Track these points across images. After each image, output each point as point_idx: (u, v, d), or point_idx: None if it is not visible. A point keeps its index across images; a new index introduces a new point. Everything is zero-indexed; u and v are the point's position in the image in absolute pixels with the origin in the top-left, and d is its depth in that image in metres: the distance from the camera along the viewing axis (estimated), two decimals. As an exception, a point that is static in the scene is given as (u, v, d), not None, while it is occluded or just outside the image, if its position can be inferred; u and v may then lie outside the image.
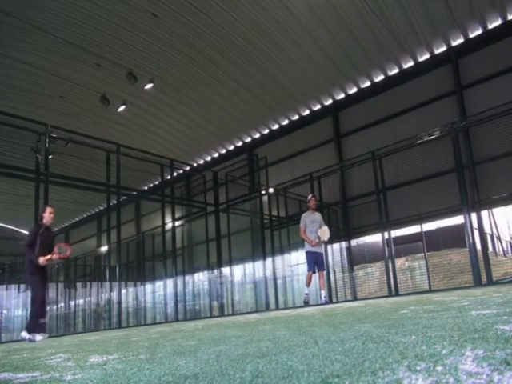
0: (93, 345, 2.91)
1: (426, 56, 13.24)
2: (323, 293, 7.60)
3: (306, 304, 7.68)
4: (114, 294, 9.64)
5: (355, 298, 10.10)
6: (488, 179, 10.33)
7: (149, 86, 14.89)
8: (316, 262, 7.59)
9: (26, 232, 28.46)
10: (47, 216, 6.31)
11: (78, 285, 17.48)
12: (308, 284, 7.59)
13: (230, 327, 3.02)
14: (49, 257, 5.89)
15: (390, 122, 13.93)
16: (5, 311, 15.92)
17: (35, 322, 5.70)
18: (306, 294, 7.68)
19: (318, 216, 7.94)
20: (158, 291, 14.32)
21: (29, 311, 6.03)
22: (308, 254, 7.71)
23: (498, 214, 12.24)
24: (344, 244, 11.94)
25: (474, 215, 8.23)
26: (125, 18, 12.48)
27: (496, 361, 0.71)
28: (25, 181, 8.57)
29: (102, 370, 1.25)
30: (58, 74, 14.82)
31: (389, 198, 9.43)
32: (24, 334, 5.73)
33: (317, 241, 7.58)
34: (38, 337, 5.63)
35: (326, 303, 7.45)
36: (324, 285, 7.76)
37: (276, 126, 17.25)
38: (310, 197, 8.07)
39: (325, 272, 8.02)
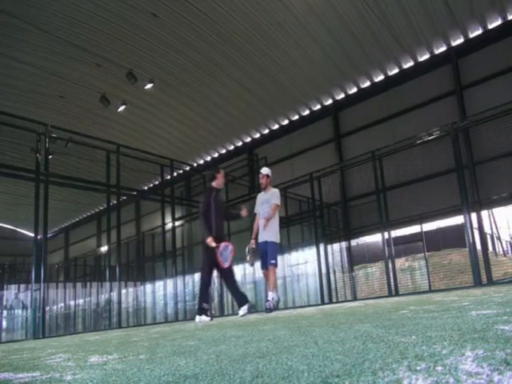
0: (93, 345, 2.91)
1: (426, 56, 13.24)
2: (270, 295, 5.80)
3: (269, 311, 5.66)
4: (114, 294, 9.63)
5: (355, 298, 10.10)
6: (488, 179, 10.33)
7: (149, 86, 14.90)
8: (263, 255, 5.99)
9: (27, 233, 28.27)
10: (220, 177, 5.56)
11: (78, 285, 17.47)
12: (271, 287, 5.83)
13: (230, 327, 3.02)
14: (215, 245, 5.19)
15: (389, 122, 13.92)
16: (5, 311, 15.91)
17: (200, 305, 5.46)
18: (268, 300, 5.80)
19: (269, 194, 6.23)
20: (158, 291, 14.31)
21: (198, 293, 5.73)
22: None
23: (498, 214, 12.24)
24: (344, 244, 11.93)
25: (474, 215, 8.23)
26: (125, 18, 12.48)
27: (496, 361, 0.71)
28: (25, 181, 8.55)
29: (102, 370, 1.25)
30: (57, 74, 14.82)
31: (389, 198, 9.42)
32: (197, 318, 5.50)
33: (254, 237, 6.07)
34: (198, 318, 5.40)
35: (269, 310, 5.63)
36: (273, 285, 5.82)
37: (276, 126, 17.25)
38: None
39: (275, 268, 5.93)
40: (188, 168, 14.86)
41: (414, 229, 10.86)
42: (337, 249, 11.63)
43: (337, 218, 13.61)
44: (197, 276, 14.41)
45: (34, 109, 15.59)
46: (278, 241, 6.15)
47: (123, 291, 13.41)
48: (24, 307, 15.15)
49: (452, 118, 10.35)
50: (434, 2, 11.32)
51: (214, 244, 5.26)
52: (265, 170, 6.41)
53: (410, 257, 11.59)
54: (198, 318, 5.57)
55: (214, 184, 5.62)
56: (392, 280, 8.77)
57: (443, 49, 12.85)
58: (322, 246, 10.45)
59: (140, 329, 6.44)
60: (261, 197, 6.33)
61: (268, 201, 6.15)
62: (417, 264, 10.98)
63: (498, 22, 11.84)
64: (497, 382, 0.61)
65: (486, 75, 11.97)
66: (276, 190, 6.44)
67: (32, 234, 8.82)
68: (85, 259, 20.14)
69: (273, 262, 5.92)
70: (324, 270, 10.11)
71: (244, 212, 5.79)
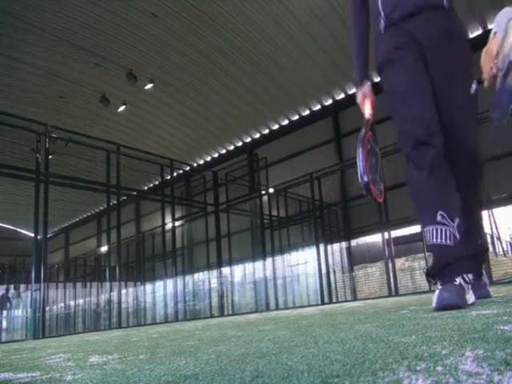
0: (93, 345, 2.91)
1: (426, 56, 13.24)
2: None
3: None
4: (114, 294, 9.64)
5: (355, 298, 10.10)
6: (488, 179, 10.32)
7: (149, 86, 14.91)
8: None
9: (27, 233, 28.16)
10: None
11: (78, 285, 17.48)
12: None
13: (230, 327, 3.02)
14: (369, 115, 2.42)
15: (390, 121, 13.78)
16: (5, 311, 15.91)
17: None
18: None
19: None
20: (158, 291, 14.32)
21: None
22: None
23: (498, 214, 12.24)
24: (344, 244, 11.95)
25: (473, 215, 8.22)
26: (125, 18, 12.49)
27: (496, 361, 0.71)
28: (25, 181, 8.57)
29: (102, 370, 1.25)
30: (58, 74, 14.82)
31: (389, 198, 9.42)
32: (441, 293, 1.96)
33: None
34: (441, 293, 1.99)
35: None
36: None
37: (276, 126, 17.25)
38: None
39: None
40: (188, 168, 14.87)
41: (414, 229, 10.87)
42: (337, 249, 11.65)
43: (337, 218, 13.61)
44: (196, 276, 14.40)
45: (34, 109, 15.59)
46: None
47: (123, 291, 13.42)
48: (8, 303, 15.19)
49: (452, 118, 10.33)
50: (434, 2, 11.32)
51: (368, 110, 2.50)
52: None
53: (409, 257, 11.60)
54: (436, 292, 2.09)
55: None
56: (392, 280, 8.77)
57: (443, 49, 12.86)
58: (322, 246, 10.45)
59: (140, 329, 6.43)
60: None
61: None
62: (417, 264, 10.98)
63: (498, 22, 11.84)
64: (497, 381, 0.61)
65: (485, 75, 11.96)
66: None
67: (32, 234, 8.83)
68: (85, 259, 20.15)
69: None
70: (324, 270, 10.11)
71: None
